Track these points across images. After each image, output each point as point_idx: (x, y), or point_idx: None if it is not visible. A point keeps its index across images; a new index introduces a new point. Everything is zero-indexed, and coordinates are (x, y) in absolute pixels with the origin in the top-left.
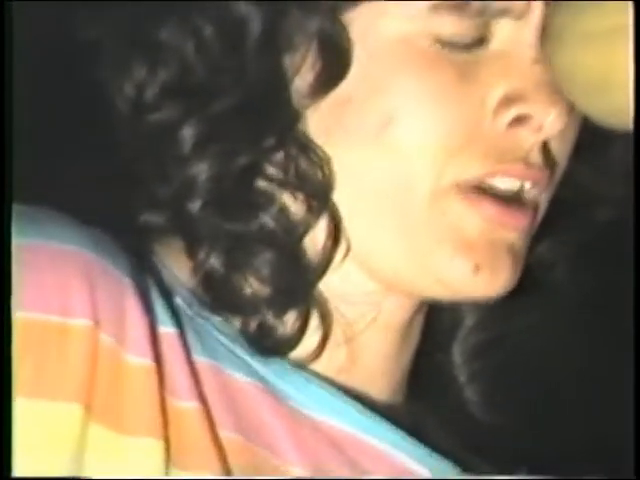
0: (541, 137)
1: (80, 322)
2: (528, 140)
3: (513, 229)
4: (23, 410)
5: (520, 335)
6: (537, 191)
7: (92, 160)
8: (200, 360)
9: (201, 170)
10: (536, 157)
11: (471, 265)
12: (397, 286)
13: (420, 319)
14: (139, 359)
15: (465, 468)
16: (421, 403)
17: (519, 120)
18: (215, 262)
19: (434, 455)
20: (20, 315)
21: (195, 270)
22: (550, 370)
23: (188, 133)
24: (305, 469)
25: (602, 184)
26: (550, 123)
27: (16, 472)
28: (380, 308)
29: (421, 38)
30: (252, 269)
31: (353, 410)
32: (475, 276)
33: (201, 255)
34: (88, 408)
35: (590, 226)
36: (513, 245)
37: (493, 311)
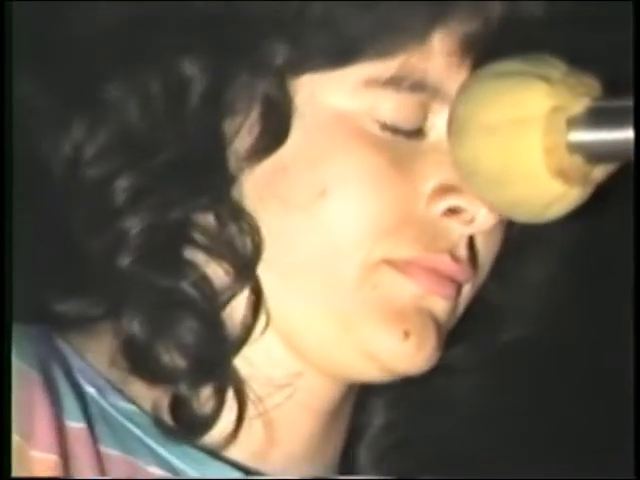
0: (471, 230)
1: None
2: (458, 232)
3: (443, 298)
4: None
5: (427, 439)
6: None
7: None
8: (110, 452)
9: (134, 223)
10: (462, 251)
11: (401, 331)
12: (322, 365)
13: (349, 407)
14: (44, 455)
15: None
16: None
17: (452, 211)
18: (138, 327)
19: None
20: None
21: (117, 335)
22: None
23: (122, 185)
24: None
25: (511, 303)
26: (482, 217)
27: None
28: (298, 387)
29: (362, 117)
30: (173, 336)
31: None
32: (405, 342)
33: (125, 319)
34: None
35: (495, 342)
36: (438, 316)
37: (401, 414)
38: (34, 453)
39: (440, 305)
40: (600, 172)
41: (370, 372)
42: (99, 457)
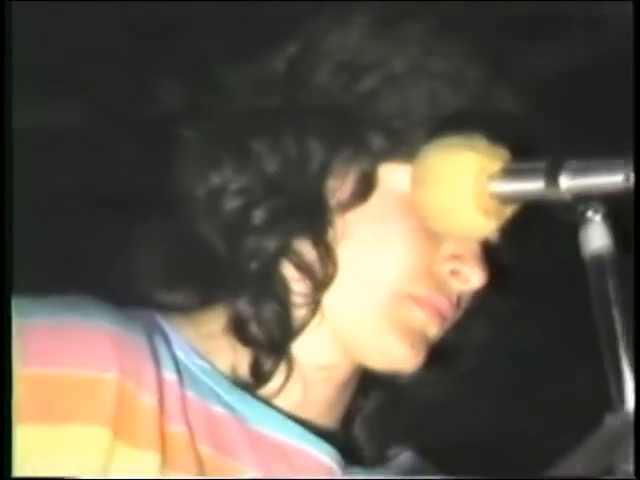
0: (465, 287)
1: (111, 375)
2: (456, 286)
3: (436, 326)
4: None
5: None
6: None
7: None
8: (192, 395)
9: (267, 242)
10: (454, 299)
11: (409, 343)
12: (354, 353)
13: (354, 382)
14: (149, 399)
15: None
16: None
17: (455, 272)
18: (246, 308)
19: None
20: (72, 372)
21: (232, 314)
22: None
23: (259, 214)
24: (257, 468)
25: (465, 345)
26: (474, 280)
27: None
28: (333, 370)
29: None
30: (264, 314)
31: (295, 428)
32: (409, 350)
33: (240, 302)
34: (115, 432)
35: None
36: (429, 337)
37: (386, 401)
38: (141, 396)
39: (433, 330)
40: (509, 211)
41: (382, 365)
42: (183, 397)
